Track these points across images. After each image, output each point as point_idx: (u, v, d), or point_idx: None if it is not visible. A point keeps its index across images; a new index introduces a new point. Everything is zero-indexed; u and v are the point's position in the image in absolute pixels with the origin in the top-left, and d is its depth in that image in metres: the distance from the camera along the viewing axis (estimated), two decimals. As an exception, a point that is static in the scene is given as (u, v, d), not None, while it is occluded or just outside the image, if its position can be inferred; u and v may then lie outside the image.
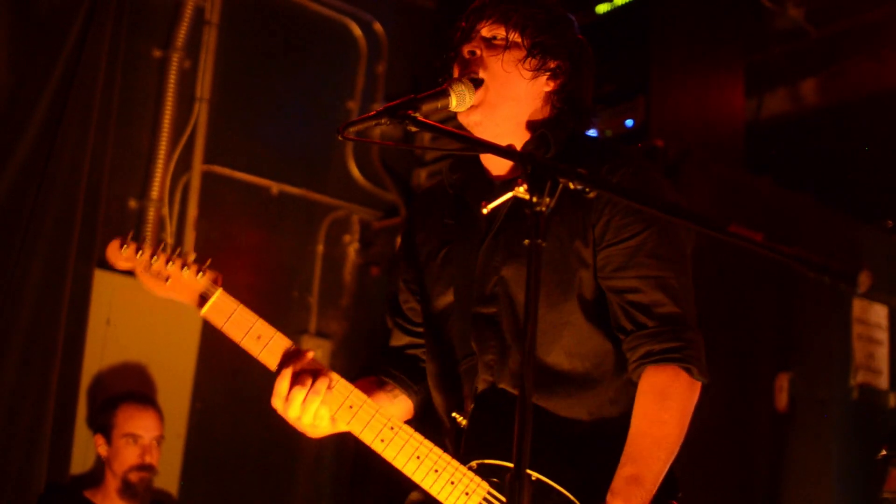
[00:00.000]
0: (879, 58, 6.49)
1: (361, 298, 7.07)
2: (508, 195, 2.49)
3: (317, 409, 2.85)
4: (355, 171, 7.12)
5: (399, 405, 3.15)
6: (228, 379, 6.45)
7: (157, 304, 6.01)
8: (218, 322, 2.91)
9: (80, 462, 5.50)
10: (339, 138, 2.54)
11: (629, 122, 5.48)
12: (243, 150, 6.75)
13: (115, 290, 5.91)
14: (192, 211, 6.42)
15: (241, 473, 6.41)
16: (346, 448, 6.60)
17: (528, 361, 2.20)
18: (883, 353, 5.79)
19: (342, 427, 2.92)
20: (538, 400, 2.80)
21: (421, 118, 2.52)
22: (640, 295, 2.78)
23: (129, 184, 6.25)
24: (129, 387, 5.70)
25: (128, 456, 5.27)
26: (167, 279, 2.89)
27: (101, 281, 5.69)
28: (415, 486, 2.86)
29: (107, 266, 5.77)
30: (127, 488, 5.24)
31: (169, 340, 6.08)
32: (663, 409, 2.70)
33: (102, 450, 5.33)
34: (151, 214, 6.21)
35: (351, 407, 2.86)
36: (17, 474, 5.09)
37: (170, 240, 6.28)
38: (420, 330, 3.18)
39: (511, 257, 2.87)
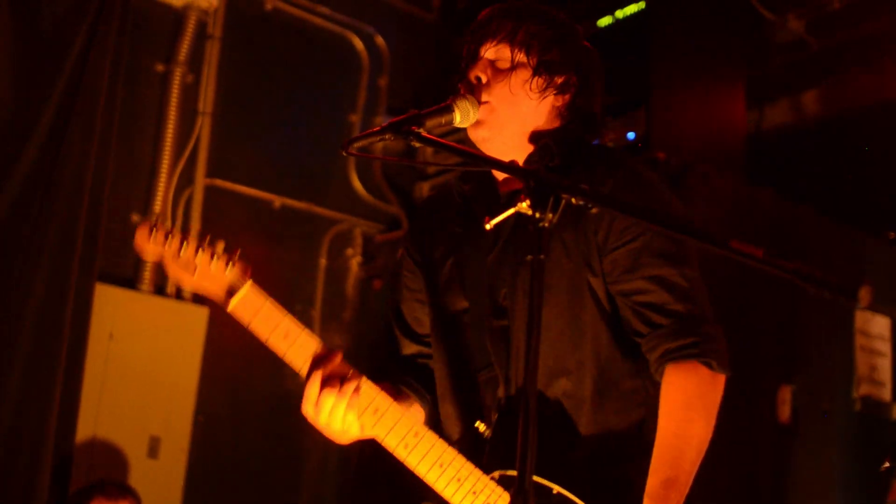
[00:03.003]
0: (880, 69, 6.50)
1: (364, 312, 7.07)
2: (511, 211, 2.49)
3: (344, 414, 2.80)
4: (357, 185, 7.13)
5: (413, 415, 3.09)
6: (231, 392, 6.46)
7: (160, 317, 6.11)
8: (244, 318, 2.84)
9: (79, 478, 5.49)
10: (343, 154, 2.54)
11: (631, 135, 5.49)
12: (246, 163, 6.77)
13: (117, 304, 5.92)
14: (195, 225, 6.43)
15: (245, 487, 6.40)
16: (350, 460, 6.60)
17: (531, 378, 2.20)
18: (885, 365, 5.79)
19: (368, 432, 2.86)
20: (557, 414, 2.80)
21: (425, 134, 2.52)
22: (650, 295, 2.77)
23: (132, 198, 6.26)
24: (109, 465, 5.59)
25: None
26: (195, 270, 2.77)
27: (104, 295, 5.70)
28: (421, 497, 2.84)
29: (109, 280, 5.84)
30: None
31: (172, 354, 6.09)
32: (689, 407, 2.69)
33: None
34: (154, 228, 6.21)
35: (376, 411, 2.80)
36: (21, 491, 5.09)
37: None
38: (427, 339, 3.16)
39: (519, 269, 2.85)
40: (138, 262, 6.20)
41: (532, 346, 2.20)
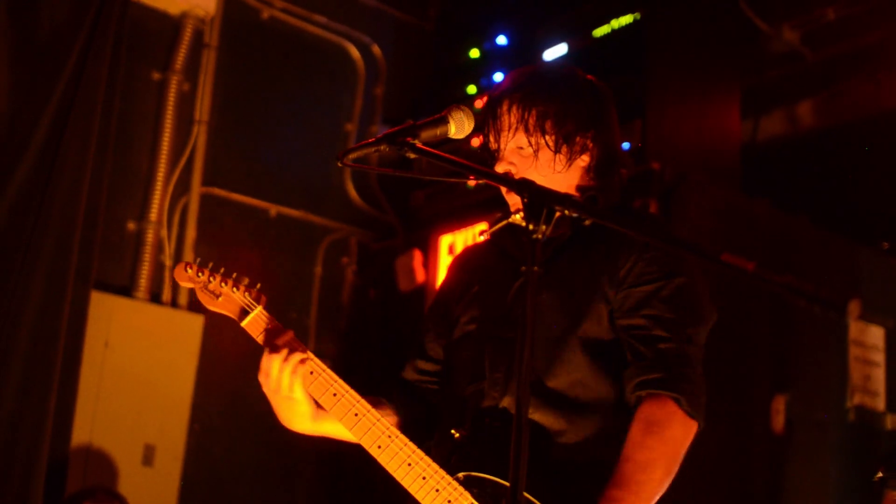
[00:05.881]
0: (875, 80, 6.52)
1: (359, 320, 7.08)
2: (505, 221, 2.68)
3: (290, 381, 3.02)
4: (353, 194, 7.15)
5: (386, 417, 3.15)
6: (227, 401, 6.46)
7: (156, 325, 6.12)
8: (250, 331, 3.18)
9: (75, 486, 5.49)
10: (339, 165, 2.56)
11: (626, 146, 5.50)
12: (242, 172, 6.79)
13: (113, 312, 5.93)
14: (191, 233, 6.44)
15: (240, 495, 6.41)
16: (346, 471, 6.60)
17: (523, 388, 2.23)
18: (879, 375, 5.79)
19: (344, 433, 3.09)
20: (536, 417, 2.86)
21: (420, 145, 2.54)
22: (645, 332, 2.84)
23: (128, 206, 6.28)
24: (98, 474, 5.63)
25: None
26: (219, 296, 3.24)
27: (99, 303, 5.71)
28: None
29: (104, 288, 5.85)
30: None
31: (167, 362, 6.10)
32: (647, 434, 2.73)
33: None
34: (150, 236, 6.24)
35: (335, 395, 3.06)
36: (16, 498, 5.09)
37: (168, 262, 6.31)
38: (432, 369, 3.27)
39: (541, 289, 2.85)
40: (134, 269, 6.22)
41: (524, 358, 2.26)
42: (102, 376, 5.80)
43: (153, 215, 6.27)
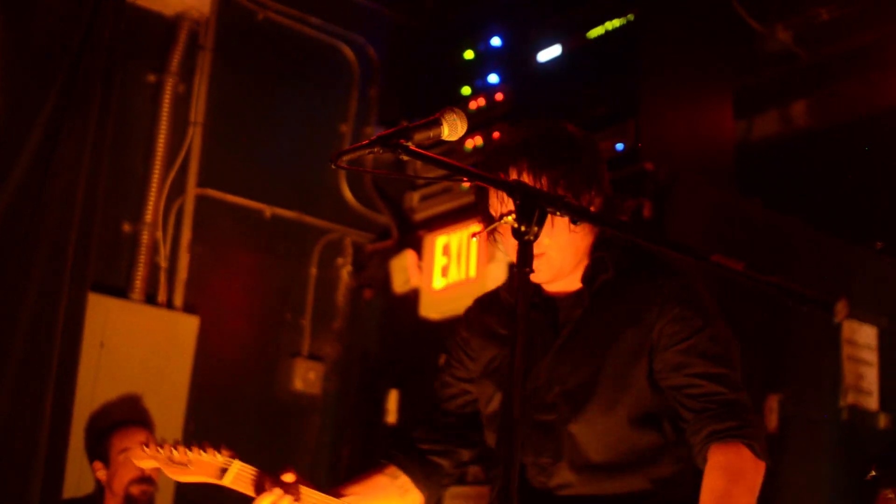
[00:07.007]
0: (868, 80, 6.54)
1: (354, 321, 7.09)
2: (495, 224, 2.74)
3: None
4: (348, 194, 7.16)
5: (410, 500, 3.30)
6: (222, 400, 6.48)
7: (151, 326, 6.13)
8: (238, 486, 3.20)
9: (72, 488, 5.50)
10: (333, 167, 2.58)
11: (619, 146, 5.52)
12: (237, 173, 6.80)
13: (108, 313, 5.94)
14: (186, 234, 6.45)
15: (235, 495, 6.41)
16: (340, 470, 6.62)
17: (516, 387, 2.26)
18: (872, 374, 5.81)
19: None
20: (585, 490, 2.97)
21: (413, 147, 2.56)
22: (699, 389, 2.90)
23: (124, 207, 6.29)
24: (124, 410, 5.72)
25: (127, 470, 5.30)
26: (188, 464, 3.15)
27: (95, 304, 5.72)
28: None
29: (100, 289, 5.86)
30: (129, 503, 5.26)
31: (163, 363, 6.11)
32: (731, 482, 2.79)
33: (101, 474, 5.34)
34: (145, 238, 6.25)
35: None
36: (12, 500, 5.10)
37: (164, 263, 6.32)
38: (449, 424, 3.33)
39: (576, 369, 3.00)
40: (130, 271, 6.23)
41: (516, 367, 2.32)
42: (98, 377, 5.81)
43: (148, 217, 6.28)
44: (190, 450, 3.13)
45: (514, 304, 3.08)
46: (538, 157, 2.98)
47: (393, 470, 3.30)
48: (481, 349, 3.26)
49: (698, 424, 2.87)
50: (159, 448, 3.14)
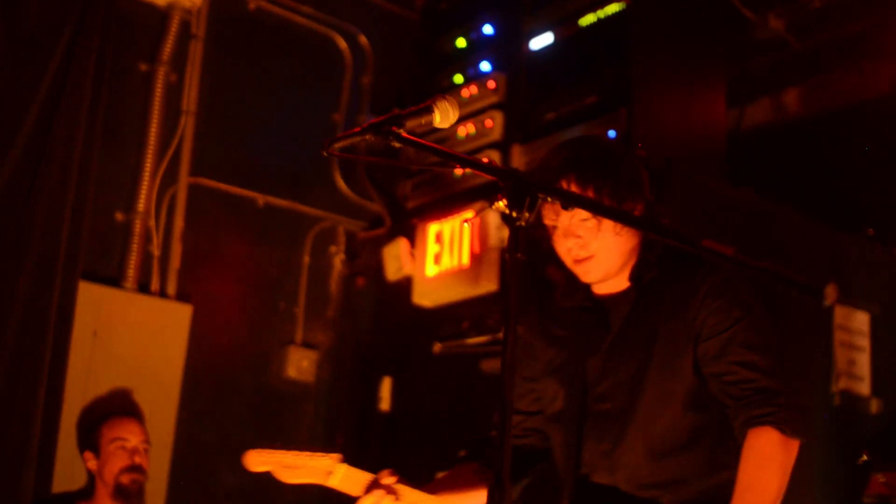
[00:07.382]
0: (860, 69, 6.55)
1: (347, 309, 7.11)
2: (489, 208, 2.66)
3: None
4: (341, 183, 7.17)
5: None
6: (215, 388, 6.50)
7: (144, 315, 6.14)
8: (343, 488, 3.24)
9: (63, 478, 5.50)
10: (325, 154, 2.59)
11: (612, 133, 5.53)
12: (229, 162, 6.80)
13: (101, 302, 5.95)
14: (179, 223, 6.46)
15: (230, 483, 6.43)
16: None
17: (509, 376, 2.27)
18: (864, 360, 5.83)
19: None
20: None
21: (405, 134, 2.57)
22: (735, 376, 3.10)
23: (116, 197, 6.29)
24: (116, 399, 5.73)
25: (117, 460, 5.30)
26: (298, 468, 3.24)
27: (87, 293, 5.72)
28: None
29: (92, 278, 5.87)
30: (119, 492, 5.27)
31: (156, 352, 6.12)
32: (759, 468, 3.00)
33: (92, 464, 5.34)
34: (138, 227, 6.26)
35: None
36: (5, 488, 5.11)
37: (156, 252, 6.32)
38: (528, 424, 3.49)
39: (628, 361, 3.21)
40: (122, 260, 6.23)
41: (508, 365, 2.40)
42: (91, 366, 5.81)
43: (141, 206, 6.29)
44: (299, 455, 3.25)
45: (568, 308, 3.35)
46: (585, 171, 3.14)
47: (478, 467, 3.43)
48: (542, 350, 3.43)
49: (736, 411, 3.08)
50: (272, 452, 3.25)
